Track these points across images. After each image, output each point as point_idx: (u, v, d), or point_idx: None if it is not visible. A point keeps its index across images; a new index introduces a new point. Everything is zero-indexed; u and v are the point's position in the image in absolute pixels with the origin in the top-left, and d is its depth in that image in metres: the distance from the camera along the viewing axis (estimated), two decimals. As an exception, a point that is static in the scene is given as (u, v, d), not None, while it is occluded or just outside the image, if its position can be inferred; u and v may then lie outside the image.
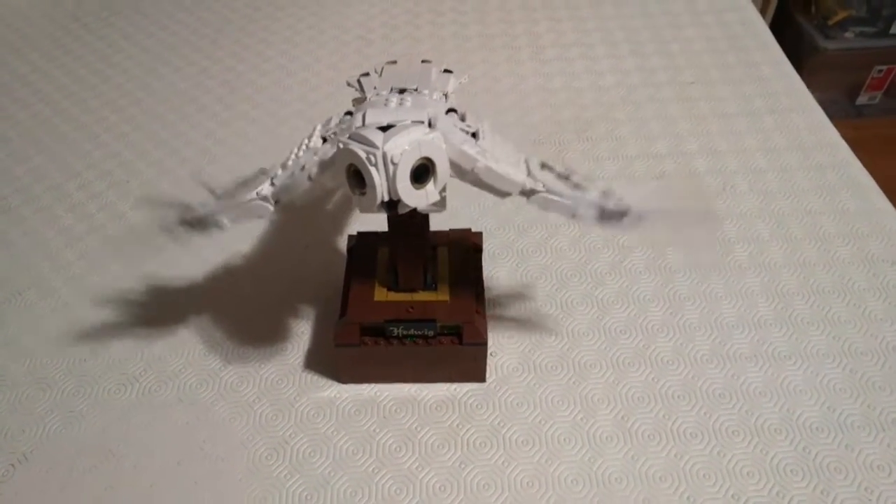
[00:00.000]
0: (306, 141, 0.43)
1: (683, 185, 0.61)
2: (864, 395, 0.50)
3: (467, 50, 0.85)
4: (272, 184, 0.42)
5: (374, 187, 0.36)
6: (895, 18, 1.60)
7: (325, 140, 0.42)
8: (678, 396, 0.51)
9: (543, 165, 0.42)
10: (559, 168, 0.42)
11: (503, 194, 0.41)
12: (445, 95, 0.46)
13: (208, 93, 0.80)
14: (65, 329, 0.56)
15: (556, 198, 0.41)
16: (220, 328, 0.56)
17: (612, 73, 0.81)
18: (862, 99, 1.74)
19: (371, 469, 0.47)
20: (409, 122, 0.37)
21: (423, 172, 0.37)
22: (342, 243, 0.62)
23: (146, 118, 0.77)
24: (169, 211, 0.43)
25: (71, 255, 0.62)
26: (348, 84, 0.52)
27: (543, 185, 0.40)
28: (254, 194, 0.42)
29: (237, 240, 0.63)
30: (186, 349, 0.54)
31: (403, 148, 0.36)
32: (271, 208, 0.42)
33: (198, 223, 0.42)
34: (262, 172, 0.44)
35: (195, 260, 0.61)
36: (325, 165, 0.40)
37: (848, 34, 1.62)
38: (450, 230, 0.54)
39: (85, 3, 0.97)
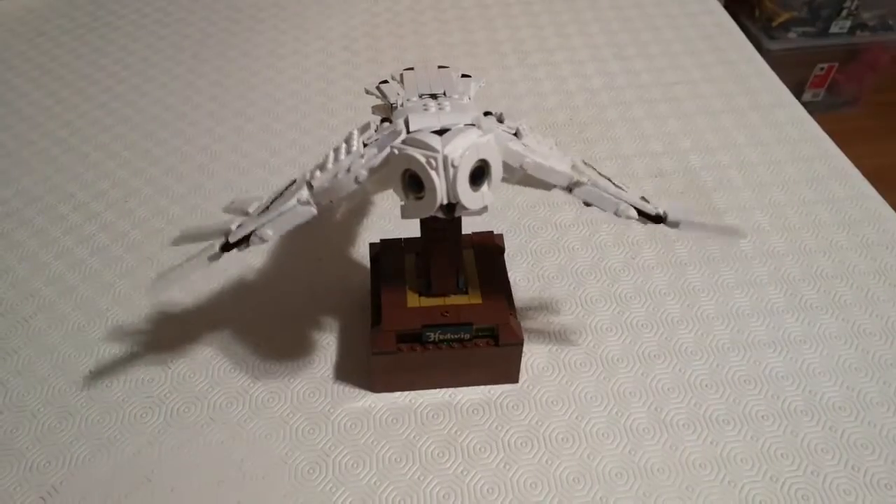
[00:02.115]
0: (345, 146, 0.42)
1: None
2: (878, 373, 0.53)
3: (454, 57, 0.86)
4: (310, 186, 0.41)
5: (434, 191, 0.36)
6: (834, 19, 1.67)
7: (365, 145, 0.41)
8: (706, 385, 0.52)
9: (586, 163, 0.43)
10: (599, 170, 0.43)
11: (549, 187, 0.41)
12: (469, 98, 0.47)
13: (197, 108, 0.78)
14: (80, 354, 0.54)
15: (600, 192, 0.41)
16: (243, 345, 0.55)
17: (599, 76, 0.82)
18: (806, 96, 1.82)
19: (417, 476, 0.47)
20: (462, 125, 0.38)
21: (479, 175, 0.37)
22: (355, 253, 0.62)
23: (137, 136, 0.75)
24: (207, 240, 0.42)
25: (75, 279, 0.60)
26: (367, 92, 0.52)
27: (588, 179, 0.41)
28: (294, 201, 0.41)
29: (248, 255, 0.62)
30: (211, 368, 0.53)
31: (463, 151, 0.36)
32: (315, 211, 0.41)
33: (240, 242, 0.41)
34: (293, 183, 0.44)
35: (207, 278, 0.60)
36: (373, 170, 0.39)
37: (791, 35, 1.69)
38: (472, 233, 0.54)
39: (56, 20, 0.94)
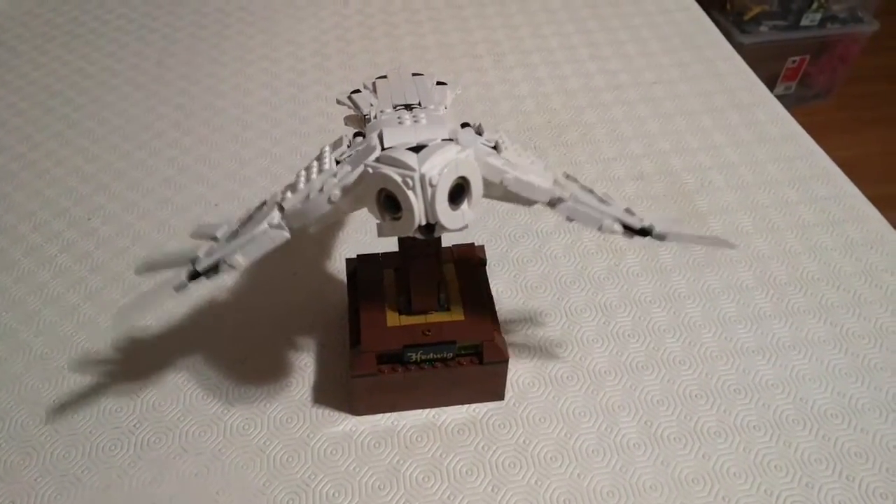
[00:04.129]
0: (316, 164, 0.40)
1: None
2: (868, 377, 0.52)
3: (428, 60, 0.84)
4: (281, 209, 0.39)
5: (411, 211, 0.34)
6: (805, 11, 1.68)
7: (338, 163, 0.39)
8: (695, 396, 0.51)
9: (567, 176, 0.41)
10: (581, 181, 0.42)
11: (530, 203, 0.40)
12: (445, 108, 0.45)
13: (162, 118, 0.75)
14: (43, 385, 0.51)
15: (583, 207, 0.40)
16: (216, 369, 0.52)
17: (576, 77, 0.81)
18: (778, 89, 1.82)
19: None
20: (439, 140, 0.36)
21: (458, 193, 0.36)
22: (332, 268, 0.60)
23: (99, 149, 0.72)
24: (175, 269, 0.40)
25: (36, 303, 0.57)
26: (338, 102, 0.49)
27: (570, 194, 0.40)
28: (265, 225, 0.39)
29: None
30: (182, 395, 0.51)
31: (441, 169, 0.34)
32: (287, 235, 0.39)
33: (209, 271, 0.39)
34: (263, 204, 0.42)
35: (176, 297, 0.57)
36: (347, 189, 0.37)
37: (762, 28, 1.69)
38: (452, 246, 0.53)
39: (13, 30, 0.90)
